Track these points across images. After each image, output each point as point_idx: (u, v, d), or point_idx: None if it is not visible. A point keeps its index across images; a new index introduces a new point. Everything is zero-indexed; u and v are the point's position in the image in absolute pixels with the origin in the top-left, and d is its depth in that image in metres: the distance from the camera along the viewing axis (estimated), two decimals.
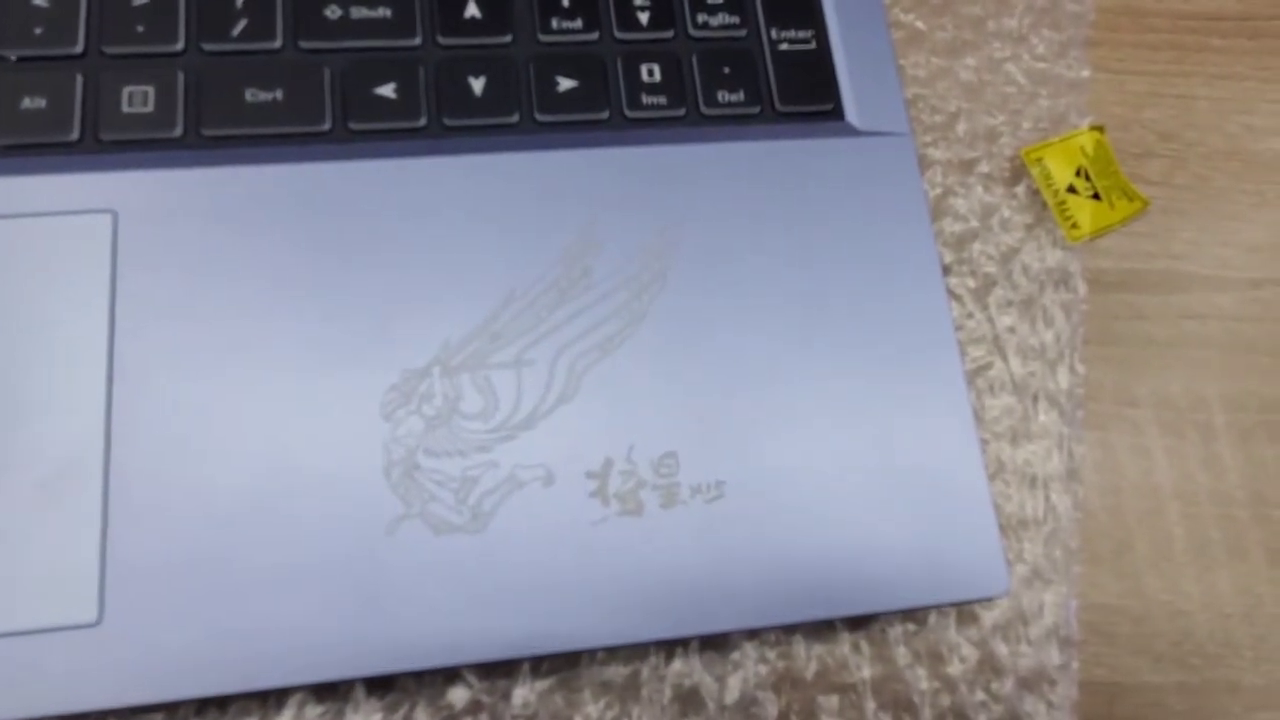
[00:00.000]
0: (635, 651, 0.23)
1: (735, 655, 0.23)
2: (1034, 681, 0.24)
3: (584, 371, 0.23)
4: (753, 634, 0.24)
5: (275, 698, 0.22)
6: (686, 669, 0.23)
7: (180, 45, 0.24)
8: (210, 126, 0.24)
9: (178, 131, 0.23)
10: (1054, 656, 0.24)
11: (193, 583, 0.20)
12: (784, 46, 0.27)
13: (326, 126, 0.24)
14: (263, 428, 0.21)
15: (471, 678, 0.23)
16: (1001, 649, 0.24)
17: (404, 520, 0.21)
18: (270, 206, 0.23)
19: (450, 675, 0.23)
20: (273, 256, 0.23)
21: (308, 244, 0.23)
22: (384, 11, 0.25)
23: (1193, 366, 0.28)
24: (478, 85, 0.25)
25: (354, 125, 0.24)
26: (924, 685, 0.24)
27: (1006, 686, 0.24)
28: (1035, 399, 0.27)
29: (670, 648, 0.23)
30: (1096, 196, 0.28)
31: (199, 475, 0.21)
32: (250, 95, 0.24)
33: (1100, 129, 0.29)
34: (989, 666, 0.24)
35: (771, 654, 0.24)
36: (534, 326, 0.23)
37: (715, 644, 0.24)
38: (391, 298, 0.23)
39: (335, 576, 0.21)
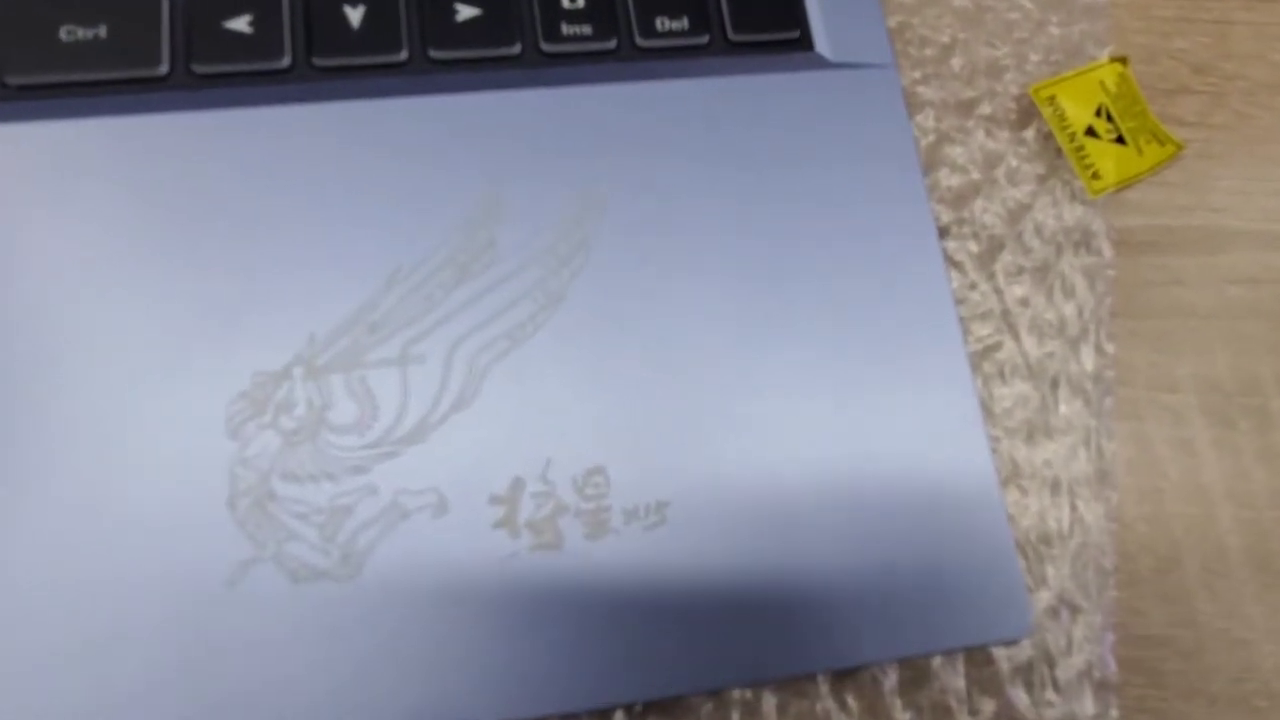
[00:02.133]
0: None
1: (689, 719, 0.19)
2: None
3: (487, 368, 0.19)
4: (711, 693, 0.19)
5: None
6: None
7: None
8: (15, 73, 0.19)
9: None
10: (1088, 705, 0.20)
11: None
12: None
13: (164, 70, 0.20)
14: (73, 452, 0.17)
15: None
16: (1022, 698, 0.20)
17: (253, 565, 0.17)
18: (91, 169, 0.19)
19: None
20: (92, 232, 0.19)
21: (137, 216, 0.19)
22: None
23: (1242, 341, 0.24)
24: (355, 15, 0.21)
25: (198, 68, 0.20)
26: None
27: None
28: (1055, 385, 0.23)
29: (607, 714, 0.19)
30: (1120, 140, 0.25)
31: None
32: (66, 34, 0.20)
33: (1123, 61, 0.25)
34: None
35: (735, 716, 0.19)
36: (424, 313, 0.19)
37: (664, 707, 0.19)
38: (243, 282, 0.19)
39: (165, 641, 0.17)
